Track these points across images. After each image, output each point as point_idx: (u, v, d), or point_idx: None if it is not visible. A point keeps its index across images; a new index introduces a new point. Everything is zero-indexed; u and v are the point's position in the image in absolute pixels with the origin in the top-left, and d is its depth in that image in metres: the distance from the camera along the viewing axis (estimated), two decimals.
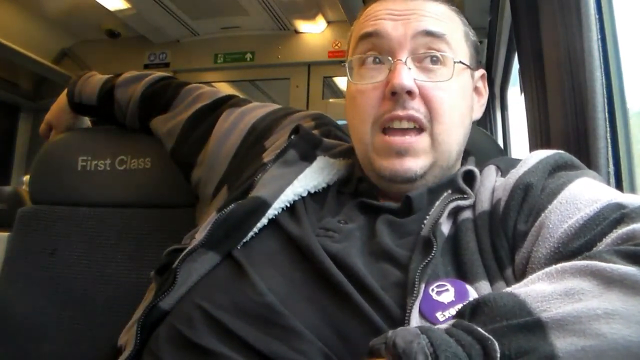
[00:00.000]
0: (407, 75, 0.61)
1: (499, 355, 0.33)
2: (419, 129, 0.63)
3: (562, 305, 0.36)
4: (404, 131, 0.63)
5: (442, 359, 0.33)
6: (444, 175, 0.67)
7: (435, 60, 0.64)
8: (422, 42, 0.64)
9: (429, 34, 0.63)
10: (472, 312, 0.39)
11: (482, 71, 0.73)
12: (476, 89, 0.72)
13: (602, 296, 0.36)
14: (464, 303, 0.50)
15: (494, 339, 0.34)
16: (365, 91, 0.65)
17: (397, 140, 0.63)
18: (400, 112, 0.62)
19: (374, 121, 0.64)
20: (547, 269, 0.42)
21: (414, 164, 0.63)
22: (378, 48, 0.65)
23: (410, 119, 0.62)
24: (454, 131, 0.65)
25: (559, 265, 0.41)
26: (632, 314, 0.35)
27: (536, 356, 0.34)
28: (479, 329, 0.35)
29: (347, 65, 0.68)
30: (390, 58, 0.63)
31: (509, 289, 0.41)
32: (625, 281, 0.36)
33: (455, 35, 0.67)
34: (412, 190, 0.64)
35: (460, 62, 0.65)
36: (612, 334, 0.34)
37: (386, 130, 0.64)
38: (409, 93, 0.62)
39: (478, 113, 0.72)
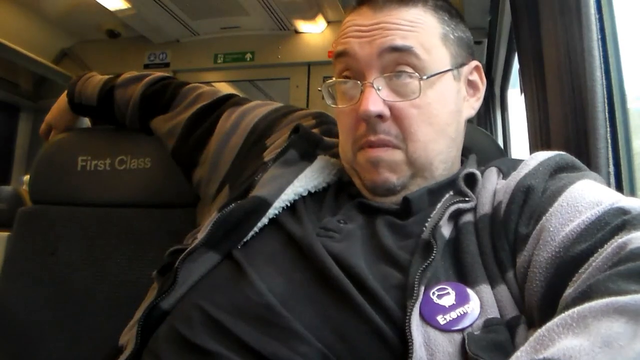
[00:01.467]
0: (375, 100, 0.62)
1: None
2: (393, 147, 0.63)
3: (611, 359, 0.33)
4: (379, 146, 0.64)
5: None
6: (436, 180, 0.66)
7: (403, 77, 0.63)
8: (389, 59, 0.63)
9: (395, 49, 0.62)
10: None
11: (474, 63, 0.70)
12: (470, 83, 0.70)
13: (639, 335, 0.34)
14: (464, 306, 0.50)
15: None
16: (344, 113, 0.67)
17: (373, 152, 0.64)
18: (372, 137, 0.63)
19: (353, 142, 0.66)
20: (559, 320, 0.37)
21: (390, 176, 0.64)
22: (350, 67, 0.65)
23: (382, 143, 0.63)
24: (431, 145, 0.64)
25: (572, 312, 0.37)
26: None
27: None
28: None
29: (323, 88, 0.69)
30: (359, 82, 0.64)
31: (538, 357, 0.35)
32: None
33: (428, 41, 0.64)
34: (397, 199, 0.64)
35: (430, 76, 0.63)
36: None
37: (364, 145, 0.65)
38: (379, 117, 0.62)
39: (472, 110, 0.71)
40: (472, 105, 0.71)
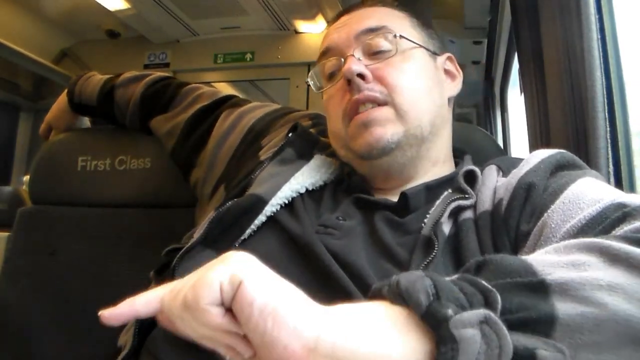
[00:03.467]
0: (356, 63, 0.66)
1: (500, 306, 0.33)
2: (381, 105, 0.66)
3: (567, 272, 0.37)
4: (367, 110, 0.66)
5: (444, 300, 0.32)
6: (426, 150, 0.68)
7: (379, 46, 0.68)
8: (365, 39, 0.68)
9: (369, 30, 0.69)
10: (478, 268, 0.39)
11: (447, 54, 0.75)
12: (447, 72, 0.74)
13: (607, 270, 0.37)
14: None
15: (496, 292, 0.34)
16: (331, 94, 0.70)
17: (362, 115, 0.66)
18: (358, 95, 0.66)
19: (343, 114, 0.68)
20: (555, 245, 0.42)
21: (383, 132, 0.65)
22: (333, 60, 0.71)
23: (369, 99, 0.66)
24: (418, 102, 0.67)
25: (566, 242, 0.41)
26: (635, 291, 0.35)
27: (536, 313, 0.34)
28: (483, 281, 0.35)
29: (309, 80, 0.75)
30: (341, 58, 0.69)
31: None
32: (630, 259, 0.37)
33: (399, 23, 0.70)
34: (394, 164, 0.66)
35: (403, 36, 0.68)
36: (613, 305, 0.34)
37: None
38: (362, 77, 0.66)
39: (452, 91, 0.74)
40: (452, 88, 0.74)
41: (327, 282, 0.53)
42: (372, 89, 0.66)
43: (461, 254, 0.55)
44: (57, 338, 0.94)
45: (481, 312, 0.32)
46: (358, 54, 0.68)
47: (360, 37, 0.68)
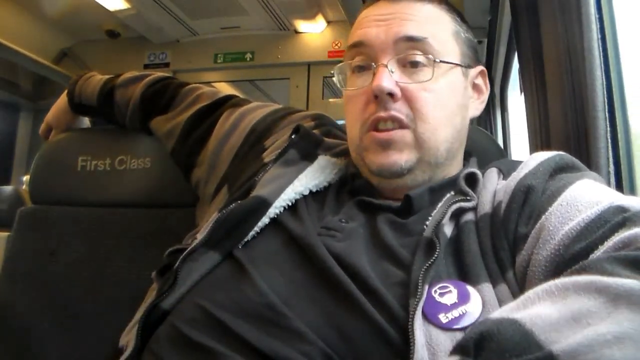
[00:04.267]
0: (388, 78, 0.63)
1: None
2: (403, 127, 0.64)
3: (572, 334, 0.35)
4: (388, 130, 0.65)
5: None
6: (438, 173, 0.67)
7: (416, 63, 0.64)
8: (403, 47, 0.65)
9: (409, 39, 0.64)
10: (477, 347, 0.37)
11: (480, 68, 0.72)
12: (475, 86, 0.72)
13: (610, 317, 0.35)
14: (466, 305, 0.50)
15: None
16: (353, 97, 0.68)
17: (382, 134, 0.64)
18: (382, 114, 0.64)
19: (362, 124, 0.66)
20: (547, 285, 0.40)
21: (399, 158, 0.64)
22: (364, 55, 0.67)
23: (393, 119, 0.64)
24: (440, 130, 0.65)
25: (559, 281, 0.39)
26: None
27: None
28: None
29: (335, 71, 0.70)
30: (373, 64, 0.65)
31: (510, 316, 0.38)
32: (632, 297, 0.35)
33: (441, 35, 0.66)
34: (403, 186, 0.65)
35: (443, 61, 0.65)
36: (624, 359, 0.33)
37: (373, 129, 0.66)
38: (391, 95, 0.63)
39: (476, 110, 0.72)
40: (477, 106, 0.72)
41: (329, 284, 0.53)
42: (399, 110, 0.64)
43: (462, 256, 0.55)
44: (57, 338, 0.94)
45: None
46: (392, 65, 0.64)
47: (399, 43, 0.65)
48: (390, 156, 0.64)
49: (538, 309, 0.38)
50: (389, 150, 0.64)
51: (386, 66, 0.64)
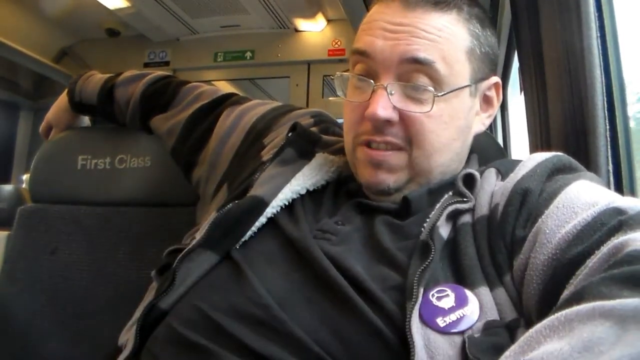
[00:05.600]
0: (385, 104, 0.60)
1: None
2: (397, 149, 0.63)
3: None
4: (381, 150, 0.63)
5: None
6: (435, 179, 0.66)
7: (418, 87, 0.61)
8: (408, 68, 0.61)
9: (416, 61, 0.60)
10: None
11: (495, 79, 0.68)
12: (485, 98, 0.69)
13: (621, 341, 0.34)
14: (464, 309, 0.49)
15: None
16: (350, 107, 0.66)
17: (374, 153, 0.63)
18: (377, 138, 0.62)
19: (356, 136, 0.65)
20: (548, 321, 0.38)
21: (388, 178, 0.63)
22: (366, 66, 0.64)
23: (387, 143, 0.62)
24: (435, 156, 0.63)
25: (561, 315, 0.37)
26: None
27: None
28: None
29: (336, 81, 0.68)
30: (372, 81, 0.62)
31: (523, 358, 0.36)
32: (638, 316, 0.34)
33: (452, 56, 0.62)
34: (392, 201, 0.64)
35: (446, 93, 0.61)
36: None
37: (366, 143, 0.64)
38: (387, 121, 0.61)
39: (482, 126, 0.69)
40: (483, 121, 0.70)
41: (326, 287, 0.53)
42: (395, 135, 0.62)
43: (459, 258, 0.54)
44: (57, 337, 0.94)
45: None
46: (392, 87, 0.61)
47: (403, 63, 0.60)
48: (379, 175, 0.63)
49: (546, 347, 0.36)
50: (379, 169, 0.63)
51: (385, 89, 0.61)
